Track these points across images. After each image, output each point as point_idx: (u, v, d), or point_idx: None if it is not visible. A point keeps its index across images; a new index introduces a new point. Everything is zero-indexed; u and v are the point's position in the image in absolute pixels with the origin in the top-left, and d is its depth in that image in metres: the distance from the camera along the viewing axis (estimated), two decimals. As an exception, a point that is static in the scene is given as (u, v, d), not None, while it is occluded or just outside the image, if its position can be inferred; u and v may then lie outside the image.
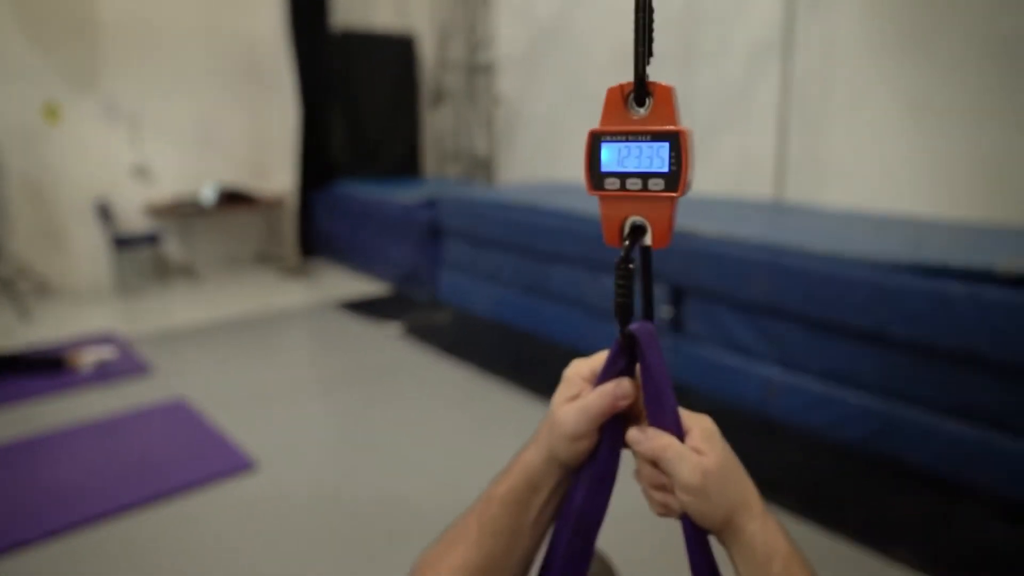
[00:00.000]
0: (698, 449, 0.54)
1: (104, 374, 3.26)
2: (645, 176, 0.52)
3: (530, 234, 3.68)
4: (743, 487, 0.54)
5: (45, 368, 3.29)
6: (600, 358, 0.59)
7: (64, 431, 2.68)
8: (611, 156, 0.53)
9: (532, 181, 5.49)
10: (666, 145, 0.52)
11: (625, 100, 0.53)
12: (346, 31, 5.84)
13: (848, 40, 3.52)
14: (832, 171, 3.68)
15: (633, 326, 0.57)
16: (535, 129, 5.66)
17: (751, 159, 4.00)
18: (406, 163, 6.38)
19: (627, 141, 0.53)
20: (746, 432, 2.53)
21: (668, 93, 0.52)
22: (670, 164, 0.52)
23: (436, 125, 6.69)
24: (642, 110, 0.53)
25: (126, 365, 3.38)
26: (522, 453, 0.60)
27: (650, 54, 0.52)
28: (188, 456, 2.46)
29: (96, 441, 2.61)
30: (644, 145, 0.52)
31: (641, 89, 0.52)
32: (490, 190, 4.80)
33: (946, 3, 3.18)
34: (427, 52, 6.43)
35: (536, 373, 3.16)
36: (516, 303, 3.89)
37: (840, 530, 1.95)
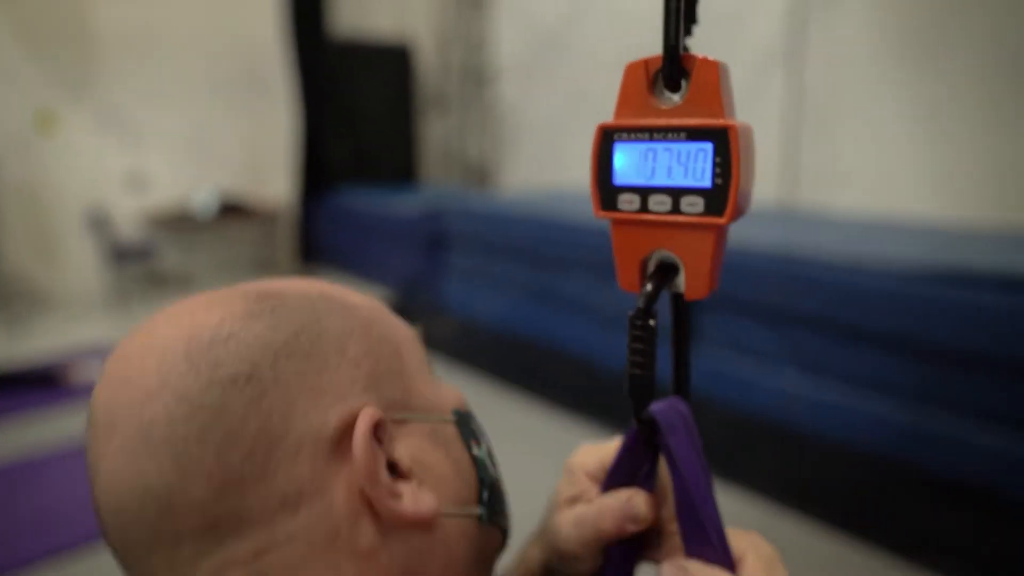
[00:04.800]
0: None
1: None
2: (677, 192, 0.37)
3: (538, 242, 3.61)
4: None
5: (36, 384, 3.19)
6: (612, 448, 0.44)
7: (56, 452, 2.58)
8: (629, 163, 0.38)
9: (535, 187, 5.44)
10: (708, 147, 0.36)
11: (651, 82, 0.38)
12: (344, 39, 5.78)
13: (858, 46, 3.48)
14: (842, 177, 3.62)
15: (657, 407, 0.40)
16: (537, 135, 5.61)
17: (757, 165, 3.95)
18: (405, 170, 6.32)
19: (652, 140, 0.37)
20: (766, 443, 2.45)
21: (714, 71, 0.36)
22: (714, 175, 0.36)
23: (435, 132, 6.63)
24: (676, 96, 0.37)
25: (122, 379, 3.29)
26: (528, 547, 0.48)
27: (692, 20, 0.37)
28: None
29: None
30: (677, 147, 0.37)
31: (675, 65, 0.37)
32: (494, 198, 4.74)
33: (957, 9, 3.14)
34: (426, 59, 6.38)
35: (547, 384, 3.09)
36: (524, 313, 3.82)
37: (873, 544, 1.88)
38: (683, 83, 0.37)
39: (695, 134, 0.36)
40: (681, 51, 0.36)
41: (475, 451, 0.43)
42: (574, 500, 0.45)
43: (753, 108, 3.89)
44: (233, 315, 0.38)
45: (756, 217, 3.44)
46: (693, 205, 0.36)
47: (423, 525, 0.38)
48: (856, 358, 2.35)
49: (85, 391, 3.13)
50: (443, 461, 0.41)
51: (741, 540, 0.39)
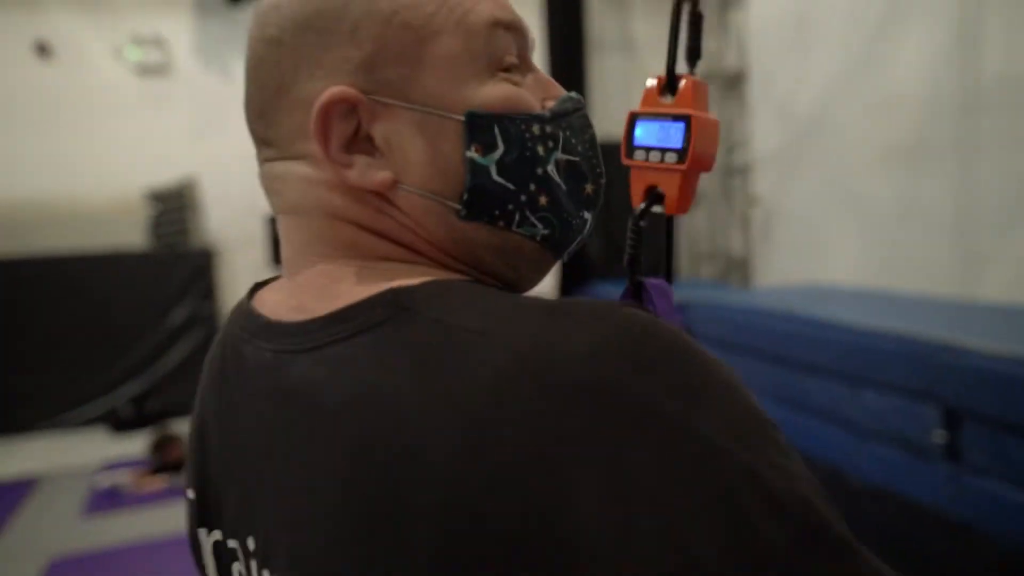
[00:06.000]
0: None
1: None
2: (664, 150, 0.60)
3: (784, 342, 3.53)
4: None
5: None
6: None
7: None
8: (642, 132, 0.61)
9: (791, 284, 5.27)
10: (681, 125, 0.60)
11: (660, 89, 0.64)
12: (601, 141, 6.23)
13: None
14: None
15: (648, 279, 0.64)
16: (794, 230, 5.47)
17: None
18: (659, 265, 6.48)
19: (654, 120, 0.61)
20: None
21: (691, 85, 0.62)
22: (683, 141, 0.60)
23: (690, 226, 6.75)
24: (670, 98, 0.62)
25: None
26: None
27: (697, 56, 0.63)
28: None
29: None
30: (665, 124, 0.60)
31: (671, 81, 0.63)
32: (744, 293, 4.71)
33: None
34: (682, 156, 6.59)
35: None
36: (769, 414, 3.71)
37: None
38: (677, 90, 0.61)
39: (676, 117, 0.59)
40: (675, 74, 0.61)
41: (471, 154, 0.47)
42: None
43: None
44: None
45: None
46: (671, 157, 0.58)
47: (374, 198, 0.48)
48: None
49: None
50: (419, 148, 0.47)
51: None
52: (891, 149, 4.33)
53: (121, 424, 4.78)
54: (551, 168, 0.51)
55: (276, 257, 5.33)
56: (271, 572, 0.46)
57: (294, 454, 0.44)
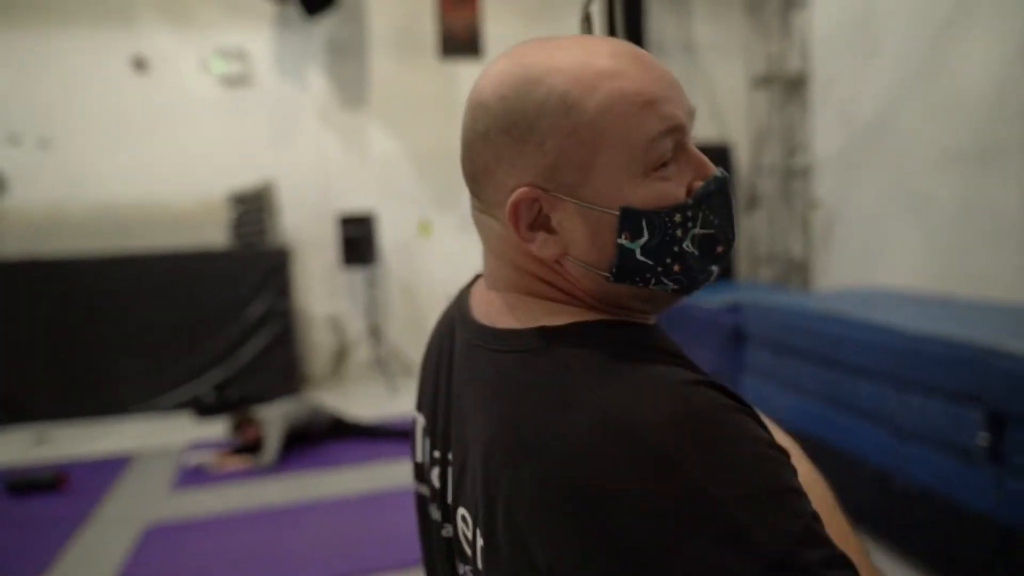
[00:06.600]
0: None
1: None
2: None
3: (833, 344, 3.57)
4: None
5: (399, 437, 4.08)
6: None
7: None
8: None
9: (850, 287, 5.24)
10: None
11: None
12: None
13: None
14: None
15: None
16: (855, 233, 5.42)
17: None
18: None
19: None
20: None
21: None
22: None
23: (750, 228, 6.75)
24: None
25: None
26: None
27: None
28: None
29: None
30: None
31: None
32: (800, 296, 4.72)
33: None
34: (742, 158, 6.60)
35: (837, 491, 3.03)
36: (818, 415, 3.76)
37: None
38: None
39: None
40: None
41: (622, 240, 0.59)
42: None
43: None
44: (494, 88, 0.61)
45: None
46: None
47: (548, 261, 0.63)
48: None
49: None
50: (581, 232, 0.61)
51: None
52: (955, 152, 4.29)
53: (204, 409, 5.15)
54: (687, 244, 0.60)
55: (346, 257, 5.63)
56: (450, 469, 0.68)
57: (468, 411, 0.65)
